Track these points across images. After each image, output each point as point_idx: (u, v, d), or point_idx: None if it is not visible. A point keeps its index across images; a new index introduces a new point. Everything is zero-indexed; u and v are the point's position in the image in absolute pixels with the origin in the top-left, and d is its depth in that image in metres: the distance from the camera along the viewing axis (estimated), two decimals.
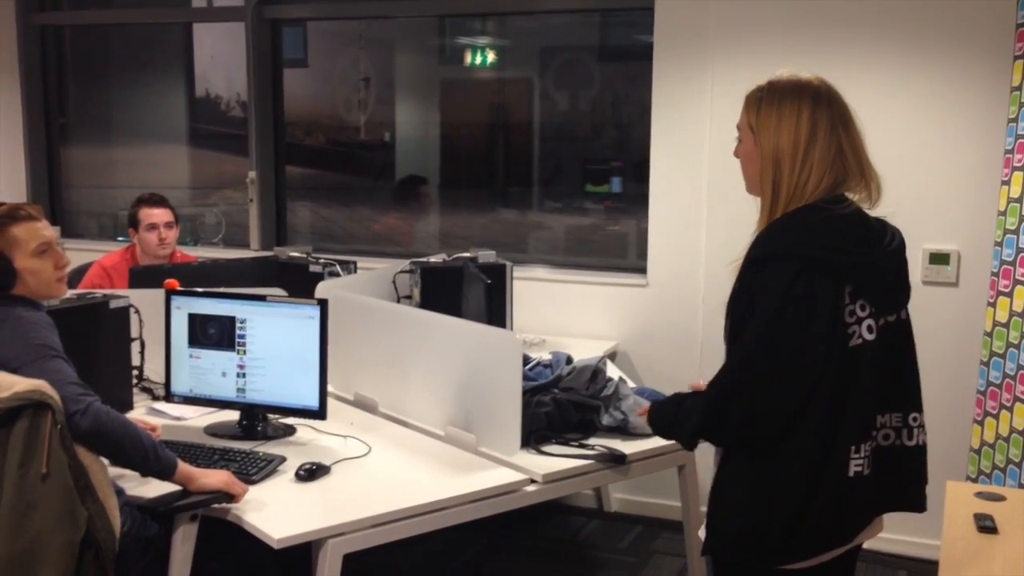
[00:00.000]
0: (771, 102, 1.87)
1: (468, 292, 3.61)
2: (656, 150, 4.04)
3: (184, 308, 2.88)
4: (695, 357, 3.99)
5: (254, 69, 4.85)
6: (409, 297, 3.70)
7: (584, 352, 3.33)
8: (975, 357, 3.46)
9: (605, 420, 2.84)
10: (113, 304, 2.96)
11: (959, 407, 3.55)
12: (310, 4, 5.00)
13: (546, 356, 3.22)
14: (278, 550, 2.16)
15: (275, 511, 2.30)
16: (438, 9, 4.83)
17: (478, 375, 2.70)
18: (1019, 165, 3.25)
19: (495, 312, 3.67)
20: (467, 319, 3.23)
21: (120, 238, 5.19)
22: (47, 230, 2.44)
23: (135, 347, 3.08)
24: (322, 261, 3.80)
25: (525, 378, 2.80)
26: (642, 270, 4.16)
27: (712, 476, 1.94)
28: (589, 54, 4.90)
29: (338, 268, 3.75)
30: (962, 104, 3.57)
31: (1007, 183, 3.30)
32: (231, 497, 2.30)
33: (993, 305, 3.34)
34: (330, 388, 2.88)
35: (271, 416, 2.86)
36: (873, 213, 1.90)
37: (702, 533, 1.96)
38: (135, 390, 3.12)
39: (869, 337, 1.81)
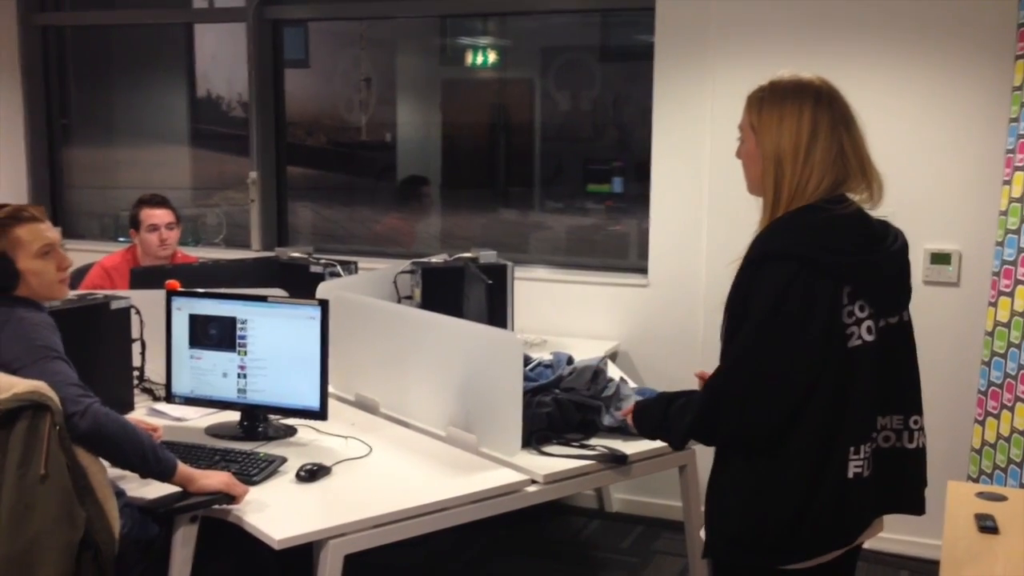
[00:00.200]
0: (773, 102, 1.86)
1: (469, 292, 3.61)
2: (657, 150, 4.03)
3: (185, 309, 2.89)
4: (696, 357, 3.97)
5: (255, 69, 4.85)
6: (410, 297, 3.70)
7: (585, 352, 3.33)
8: (976, 357, 3.46)
9: (606, 420, 2.84)
10: (114, 305, 2.96)
11: (960, 407, 3.54)
12: (311, 5, 5.00)
13: (547, 356, 3.22)
14: (279, 551, 2.16)
15: (276, 512, 2.30)
16: (439, 9, 4.83)
17: (479, 375, 2.70)
18: (1020, 165, 3.25)
19: (496, 312, 3.67)
20: (468, 319, 3.23)
21: (121, 239, 5.18)
22: (50, 232, 2.44)
23: (136, 348, 3.08)
24: (323, 261, 3.80)
25: (526, 378, 2.80)
26: (643, 270, 4.16)
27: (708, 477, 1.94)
28: (590, 54, 4.91)
29: (339, 268, 3.75)
30: (963, 104, 3.57)
31: (1008, 183, 3.30)
32: (232, 498, 2.29)
33: (994, 305, 3.33)
34: (331, 389, 2.88)
35: (272, 417, 2.86)
36: (874, 213, 1.89)
37: (703, 534, 1.96)
38: (136, 391, 3.11)
39: (868, 338, 1.80)
